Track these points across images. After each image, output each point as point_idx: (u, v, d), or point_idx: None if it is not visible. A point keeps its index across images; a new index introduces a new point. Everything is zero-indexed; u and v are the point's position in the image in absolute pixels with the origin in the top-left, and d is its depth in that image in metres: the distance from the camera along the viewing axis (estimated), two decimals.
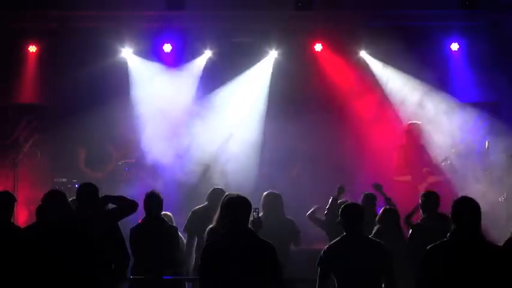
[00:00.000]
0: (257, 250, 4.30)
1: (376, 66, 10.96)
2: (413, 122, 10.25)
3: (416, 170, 9.77)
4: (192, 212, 7.18)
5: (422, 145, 10.07)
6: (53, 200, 5.03)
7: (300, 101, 11.02)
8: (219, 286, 4.25)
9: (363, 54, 10.92)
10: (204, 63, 11.03)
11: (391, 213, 6.48)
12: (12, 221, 5.72)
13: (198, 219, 6.92)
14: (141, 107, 10.83)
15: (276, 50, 10.92)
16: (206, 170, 9.98)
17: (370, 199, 7.11)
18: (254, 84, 11.05)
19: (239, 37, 10.60)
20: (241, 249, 4.27)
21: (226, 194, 5.79)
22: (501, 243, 4.55)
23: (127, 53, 10.87)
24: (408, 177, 9.78)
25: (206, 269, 4.30)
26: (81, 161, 10.08)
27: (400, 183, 9.63)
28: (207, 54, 10.96)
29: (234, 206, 4.42)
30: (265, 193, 6.82)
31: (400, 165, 9.95)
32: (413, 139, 10.05)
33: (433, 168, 9.83)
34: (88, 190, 5.63)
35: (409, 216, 6.85)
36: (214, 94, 11.04)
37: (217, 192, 6.96)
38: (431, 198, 6.44)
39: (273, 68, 11.04)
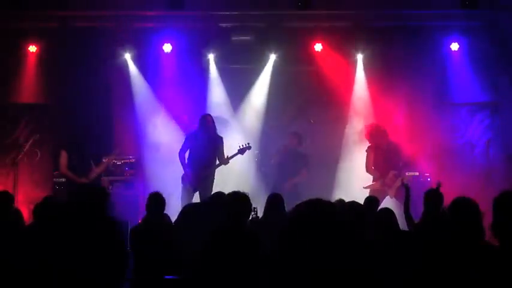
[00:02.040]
0: (255, 253, 4.26)
1: (361, 73, 10.95)
2: (371, 123, 9.99)
3: (386, 172, 9.55)
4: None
5: (388, 146, 9.73)
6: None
7: (300, 101, 11.03)
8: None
9: (359, 57, 10.91)
10: (205, 63, 11.06)
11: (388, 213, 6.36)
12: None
13: None
14: (142, 107, 10.88)
15: (275, 49, 10.92)
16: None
17: (372, 202, 7.08)
18: (258, 89, 11.14)
19: (238, 36, 10.59)
20: (239, 252, 4.23)
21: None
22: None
23: (127, 54, 10.88)
24: (376, 185, 9.56)
25: (204, 270, 4.28)
26: (62, 166, 9.35)
27: (370, 191, 9.51)
28: (208, 54, 10.97)
29: (230, 201, 4.41)
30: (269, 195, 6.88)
31: (370, 168, 9.75)
32: (377, 140, 9.74)
33: (400, 169, 9.56)
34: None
35: (407, 210, 6.82)
36: (214, 93, 11.07)
37: None
38: (434, 197, 6.40)
39: (273, 69, 11.05)
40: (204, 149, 9.31)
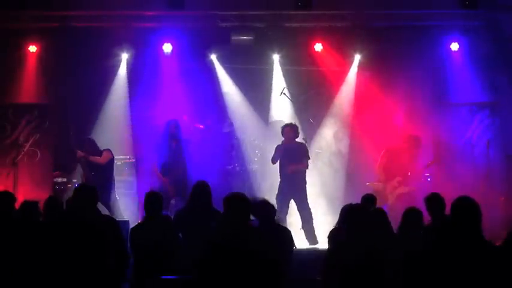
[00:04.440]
0: (252, 259, 4.18)
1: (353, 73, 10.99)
2: (413, 135, 9.96)
3: (393, 177, 9.59)
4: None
5: (410, 154, 9.75)
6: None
7: (301, 100, 11.05)
8: None
9: (357, 57, 10.94)
10: (206, 63, 11.08)
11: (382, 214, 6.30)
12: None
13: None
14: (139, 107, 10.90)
15: (275, 49, 10.93)
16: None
17: (369, 201, 7.06)
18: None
19: (238, 36, 10.60)
20: (237, 255, 4.17)
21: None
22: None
23: (127, 54, 10.90)
24: (380, 185, 9.57)
25: (202, 272, 4.23)
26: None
27: (370, 190, 9.52)
28: (209, 54, 11.00)
29: (227, 203, 4.39)
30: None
31: (380, 168, 9.78)
32: (409, 147, 9.76)
33: (407, 178, 9.61)
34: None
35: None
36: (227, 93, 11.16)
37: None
38: (436, 201, 6.36)
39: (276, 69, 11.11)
40: (175, 155, 9.20)
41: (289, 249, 6.31)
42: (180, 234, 6.52)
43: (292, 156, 9.22)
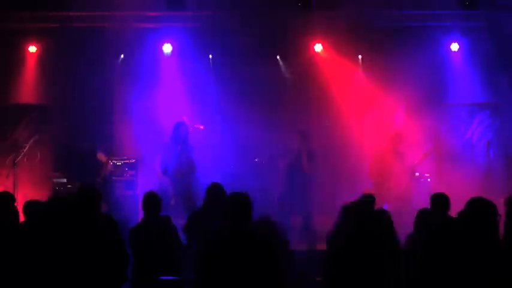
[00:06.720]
0: (254, 255, 4.17)
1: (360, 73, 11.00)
2: (396, 130, 9.98)
3: (386, 179, 9.55)
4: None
5: (399, 153, 9.72)
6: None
7: (301, 101, 11.04)
8: None
9: (359, 58, 10.95)
10: (206, 64, 11.08)
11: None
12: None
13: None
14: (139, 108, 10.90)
15: (275, 50, 10.94)
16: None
17: (368, 200, 7.02)
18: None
19: (238, 37, 10.61)
20: (237, 252, 4.16)
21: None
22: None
23: (126, 54, 10.91)
24: (372, 191, 9.49)
25: (202, 272, 4.24)
26: None
27: None
28: (208, 55, 11.00)
29: (228, 202, 4.38)
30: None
31: (372, 173, 9.77)
32: (392, 146, 9.72)
33: (400, 178, 9.56)
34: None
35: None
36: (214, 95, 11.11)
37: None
38: (440, 200, 6.34)
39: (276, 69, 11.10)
40: (179, 158, 9.15)
41: (282, 240, 6.32)
42: (184, 235, 6.55)
43: (302, 162, 9.24)
